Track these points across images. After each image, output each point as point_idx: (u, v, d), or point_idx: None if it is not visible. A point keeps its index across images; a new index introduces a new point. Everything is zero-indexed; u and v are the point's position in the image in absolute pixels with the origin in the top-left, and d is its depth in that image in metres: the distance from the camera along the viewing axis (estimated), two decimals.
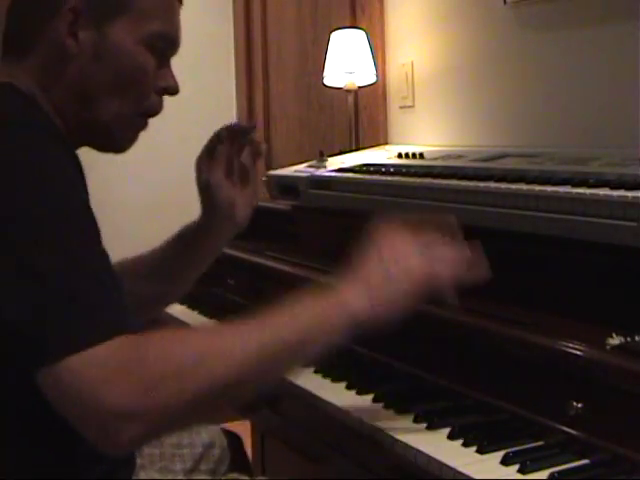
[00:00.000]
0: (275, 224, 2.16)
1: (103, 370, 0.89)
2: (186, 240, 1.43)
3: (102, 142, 1.18)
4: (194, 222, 1.44)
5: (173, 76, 1.17)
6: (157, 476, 1.40)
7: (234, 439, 1.62)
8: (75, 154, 1.07)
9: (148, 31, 1.10)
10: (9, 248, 0.92)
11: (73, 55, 1.07)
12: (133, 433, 0.90)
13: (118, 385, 0.88)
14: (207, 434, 1.56)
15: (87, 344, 0.89)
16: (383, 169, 1.74)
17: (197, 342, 0.96)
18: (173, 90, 1.17)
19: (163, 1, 1.12)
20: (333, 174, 1.85)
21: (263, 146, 1.45)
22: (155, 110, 1.17)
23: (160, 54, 1.13)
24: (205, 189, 1.45)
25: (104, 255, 0.98)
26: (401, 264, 1.04)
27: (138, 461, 1.31)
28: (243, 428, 2.46)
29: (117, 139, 1.17)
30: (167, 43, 1.14)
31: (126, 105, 1.12)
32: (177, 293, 1.51)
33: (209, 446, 1.55)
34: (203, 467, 1.51)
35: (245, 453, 1.65)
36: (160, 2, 1.12)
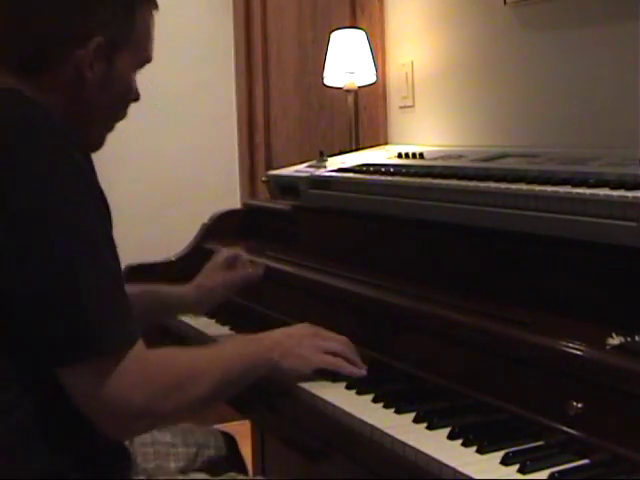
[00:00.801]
0: (275, 224, 2.16)
1: (130, 374, 1.08)
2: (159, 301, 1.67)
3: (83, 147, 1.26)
4: (175, 292, 1.70)
5: (137, 86, 1.30)
6: (152, 475, 1.41)
7: (229, 440, 1.63)
8: (90, 159, 1.16)
9: (142, 59, 1.26)
10: (47, 249, 1.05)
11: (87, 84, 1.19)
12: (143, 427, 1.18)
13: (142, 389, 1.09)
14: (201, 434, 1.57)
15: (118, 349, 1.07)
16: (383, 169, 1.74)
17: (189, 363, 1.21)
18: (138, 99, 1.30)
19: (151, 29, 1.27)
20: (333, 174, 1.85)
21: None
22: (124, 117, 1.30)
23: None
24: (212, 291, 1.71)
25: (119, 263, 1.14)
26: (308, 342, 1.34)
27: (139, 459, 1.33)
28: (243, 428, 2.47)
29: (96, 143, 1.28)
30: (146, 63, 1.29)
31: (113, 119, 1.28)
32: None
33: (203, 446, 1.56)
34: (197, 467, 1.52)
35: (240, 453, 1.65)
36: (149, 30, 1.27)
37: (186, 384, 1.16)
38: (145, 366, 1.11)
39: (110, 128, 1.29)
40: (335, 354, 1.35)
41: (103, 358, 1.06)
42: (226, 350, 1.31)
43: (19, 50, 1.18)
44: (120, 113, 1.28)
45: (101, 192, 1.13)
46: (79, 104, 1.20)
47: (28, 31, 1.18)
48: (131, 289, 1.53)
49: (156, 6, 1.29)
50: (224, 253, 1.73)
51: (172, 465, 1.49)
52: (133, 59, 1.24)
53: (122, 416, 1.09)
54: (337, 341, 1.37)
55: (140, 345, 1.10)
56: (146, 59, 1.28)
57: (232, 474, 1.48)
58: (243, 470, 1.61)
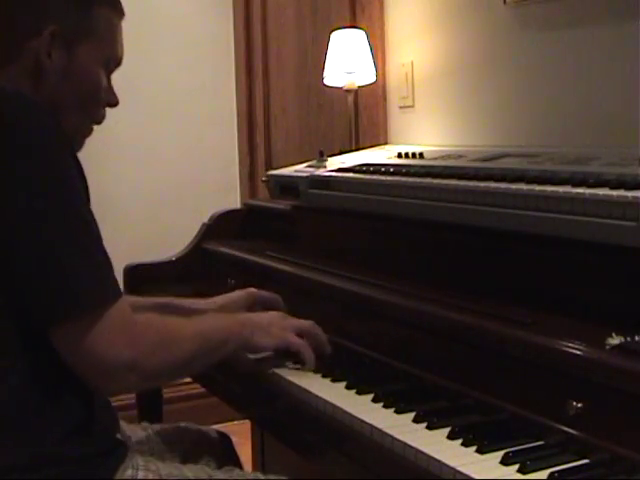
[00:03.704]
0: (275, 224, 2.16)
1: (117, 329, 1.16)
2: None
3: None
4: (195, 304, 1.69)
5: (114, 92, 1.37)
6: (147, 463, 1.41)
7: (224, 438, 1.63)
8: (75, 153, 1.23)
9: (106, 54, 1.31)
10: (27, 214, 1.12)
11: (47, 72, 1.25)
12: (133, 381, 1.21)
13: (129, 344, 1.17)
14: (197, 433, 1.58)
15: (103, 304, 1.15)
16: (383, 169, 1.74)
17: (173, 326, 1.30)
18: (115, 103, 1.37)
19: (116, 28, 1.33)
20: (333, 174, 1.85)
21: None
22: (101, 120, 1.36)
23: (108, 73, 1.35)
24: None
25: (98, 228, 1.20)
26: (277, 322, 1.43)
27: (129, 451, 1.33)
28: (243, 428, 2.47)
29: (77, 144, 1.32)
30: (116, 64, 1.35)
31: (83, 116, 1.32)
32: None
33: (198, 444, 1.56)
34: (193, 463, 1.52)
35: (235, 453, 1.66)
36: (114, 29, 1.32)
37: (170, 343, 1.25)
38: (130, 322, 1.19)
39: (86, 130, 1.34)
40: (302, 335, 1.41)
41: (86, 313, 1.14)
42: (205, 321, 1.40)
43: None
44: (92, 112, 1.33)
45: (80, 170, 1.20)
46: (44, 96, 1.25)
47: None
48: (151, 301, 1.64)
49: (120, 12, 1.35)
50: (264, 295, 1.68)
51: (167, 463, 1.49)
52: (96, 53, 1.29)
53: (110, 368, 1.16)
54: (304, 323, 1.44)
55: (123, 302, 1.18)
56: (113, 57, 1.33)
57: (229, 467, 1.48)
58: (238, 468, 1.61)
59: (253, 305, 1.66)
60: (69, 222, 1.15)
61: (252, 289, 1.69)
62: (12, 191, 1.12)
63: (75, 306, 1.14)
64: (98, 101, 1.33)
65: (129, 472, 1.26)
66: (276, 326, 1.41)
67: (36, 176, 1.14)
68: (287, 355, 1.42)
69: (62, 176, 1.16)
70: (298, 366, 1.41)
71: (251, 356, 1.47)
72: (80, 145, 1.34)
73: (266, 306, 1.63)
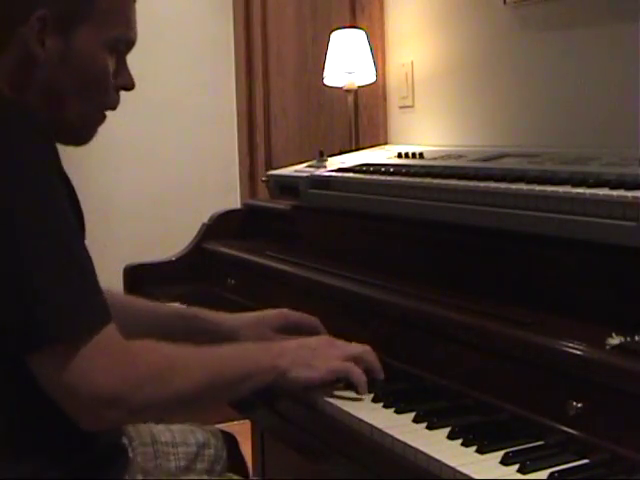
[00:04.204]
0: (275, 224, 2.16)
1: (97, 358, 1.05)
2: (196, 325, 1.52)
3: (67, 137, 1.24)
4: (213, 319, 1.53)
5: (130, 73, 1.25)
6: (152, 474, 1.40)
7: (230, 439, 1.63)
8: (55, 147, 1.12)
9: (110, 36, 1.19)
10: (5, 242, 1.03)
11: (41, 61, 1.15)
12: (114, 417, 1.09)
13: (112, 375, 1.06)
14: (201, 434, 1.57)
15: (83, 331, 1.04)
16: (383, 169, 1.74)
17: (173, 356, 1.16)
18: (130, 86, 1.25)
19: (122, 5, 1.21)
20: (333, 174, 1.85)
21: None
22: (113, 106, 1.25)
23: (119, 55, 1.23)
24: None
25: (86, 251, 1.10)
26: (322, 352, 1.26)
27: (130, 455, 1.32)
28: (243, 428, 2.47)
29: (82, 134, 1.24)
30: (127, 45, 1.23)
31: (89, 103, 1.21)
32: None
33: (203, 446, 1.55)
34: (198, 466, 1.51)
35: (241, 453, 1.65)
36: (119, 6, 1.20)
37: (166, 375, 1.12)
38: (116, 351, 1.07)
39: (96, 118, 1.24)
40: (350, 360, 1.25)
41: (66, 342, 1.04)
42: (225, 350, 1.25)
43: None
44: (100, 99, 1.22)
45: (65, 178, 1.11)
46: (41, 83, 1.17)
47: None
48: (175, 311, 1.55)
49: None
50: (299, 318, 1.49)
51: (172, 465, 1.49)
52: (98, 35, 1.18)
53: (90, 402, 1.05)
54: (356, 349, 1.28)
55: (110, 330, 1.07)
56: (122, 38, 1.21)
57: (229, 475, 1.47)
58: (243, 469, 1.61)
59: (286, 328, 1.47)
60: (44, 245, 1.04)
61: (286, 310, 1.50)
62: None
63: (52, 335, 1.04)
64: (106, 86, 1.21)
65: None
66: (320, 357, 1.24)
67: (8, 194, 1.03)
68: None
69: (38, 193, 1.05)
70: (351, 394, 1.25)
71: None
72: (91, 134, 1.25)
73: (301, 332, 1.43)
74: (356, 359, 1.25)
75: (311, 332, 1.42)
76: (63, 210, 1.08)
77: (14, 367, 1.08)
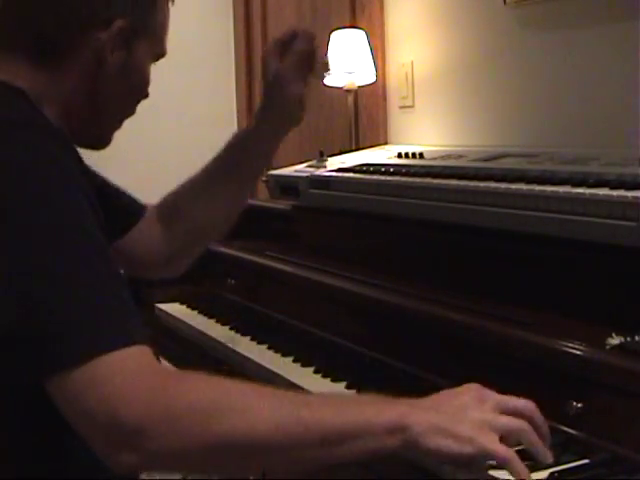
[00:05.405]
0: (275, 224, 2.16)
1: (122, 381, 0.87)
2: (240, 146, 1.45)
3: (90, 142, 1.22)
4: (245, 129, 1.47)
5: None
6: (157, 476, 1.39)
7: None
8: (78, 154, 1.10)
9: (157, 51, 1.22)
10: (24, 252, 0.93)
11: (107, 67, 1.14)
12: (129, 459, 0.86)
13: (136, 402, 0.86)
14: None
15: (102, 350, 0.88)
16: (383, 169, 1.74)
17: (231, 390, 0.91)
18: (146, 96, 1.26)
19: (165, 22, 1.22)
20: (333, 174, 1.85)
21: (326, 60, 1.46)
22: (132, 114, 1.25)
23: None
24: (273, 81, 1.39)
25: (114, 262, 0.99)
26: (472, 415, 0.92)
27: None
28: None
29: (105, 140, 1.24)
30: (159, 59, 1.25)
31: (122, 113, 1.22)
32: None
33: None
34: None
35: None
36: (163, 24, 1.21)
37: (213, 411, 0.86)
38: (146, 374, 0.89)
39: (119, 125, 1.24)
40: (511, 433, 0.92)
41: (84, 362, 0.88)
42: (323, 397, 0.98)
43: (37, 32, 1.12)
44: (131, 108, 1.24)
45: (83, 184, 1.02)
46: (95, 92, 1.15)
47: (49, 11, 1.11)
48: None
49: (172, 1, 1.24)
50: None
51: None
52: (150, 50, 1.20)
53: (107, 431, 0.87)
54: (517, 410, 0.95)
55: (138, 352, 0.90)
56: (161, 53, 1.24)
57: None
58: None
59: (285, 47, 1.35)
60: (61, 263, 0.93)
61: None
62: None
63: (71, 350, 0.89)
64: (141, 97, 1.23)
65: None
66: (469, 422, 0.90)
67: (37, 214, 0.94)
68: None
69: (62, 212, 0.96)
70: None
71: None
72: (111, 139, 1.24)
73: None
74: (520, 432, 0.93)
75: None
76: (86, 228, 0.98)
77: (26, 389, 0.96)
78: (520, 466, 0.88)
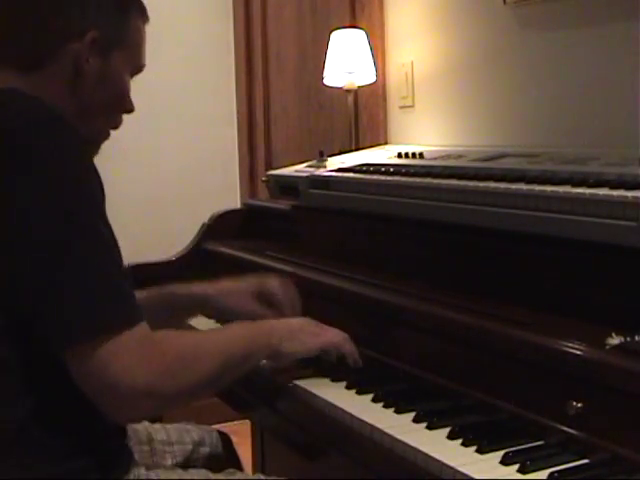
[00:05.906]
0: (275, 224, 2.16)
1: (132, 353, 1.10)
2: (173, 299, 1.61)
3: None
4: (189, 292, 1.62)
5: (131, 98, 1.37)
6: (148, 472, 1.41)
7: (224, 438, 1.64)
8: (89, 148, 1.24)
9: (136, 63, 1.33)
10: (40, 234, 1.09)
11: (85, 76, 1.25)
12: (148, 408, 1.16)
13: (145, 368, 1.11)
14: (197, 432, 1.59)
15: (119, 327, 1.09)
16: (383, 169, 1.74)
17: (194, 343, 1.23)
18: (131, 110, 1.36)
19: (141, 36, 1.34)
20: (333, 174, 1.85)
21: None
22: (119, 126, 1.36)
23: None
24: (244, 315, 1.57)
25: (117, 247, 1.17)
26: (308, 329, 1.38)
27: (136, 457, 1.32)
28: (243, 428, 2.47)
29: (95, 149, 1.33)
30: (138, 71, 1.36)
31: (106, 123, 1.33)
32: None
33: (199, 444, 1.57)
34: (193, 464, 1.52)
35: (235, 452, 1.66)
36: (138, 40, 1.33)
37: (191, 364, 1.18)
38: (148, 345, 1.13)
39: (107, 135, 1.34)
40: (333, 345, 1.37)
41: (101, 338, 1.08)
42: (228, 333, 1.33)
43: (19, 46, 1.24)
44: (113, 118, 1.33)
45: (99, 177, 1.17)
46: (78, 100, 1.26)
47: (27, 26, 1.24)
48: (155, 293, 1.57)
49: (147, 19, 1.36)
50: (273, 288, 1.60)
51: (169, 462, 1.50)
52: (127, 61, 1.31)
53: (125, 396, 1.10)
54: (337, 333, 1.39)
55: (142, 326, 1.13)
56: (139, 67, 1.35)
57: (231, 470, 1.48)
58: (238, 468, 1.62)
59: (262, 295, 1.58)
60: (87, 244, 1.11)
61: (264, 279, 1.61)
62: (30, 210, 1.09)
63: (90, 327, 1.08)
64: (123, 108, 1.33)
65: None
66: (307, 333, 1.36)
67: (56, 193, 1.10)
68: (309, 365, 1.39)
69: (81, 192, 1.12)
70: (325, 380, 1.37)
71: (267, 365, 1.41)
72: (97, 150, 1.33)
73: (275, 302, 1.56)
74: (338, 347, 1.37)
75: (289, 303, 1.56)
76: (98, 206, 1.15)
77: (38, 367, 1.12)
78: (352, 348, 1.37)
